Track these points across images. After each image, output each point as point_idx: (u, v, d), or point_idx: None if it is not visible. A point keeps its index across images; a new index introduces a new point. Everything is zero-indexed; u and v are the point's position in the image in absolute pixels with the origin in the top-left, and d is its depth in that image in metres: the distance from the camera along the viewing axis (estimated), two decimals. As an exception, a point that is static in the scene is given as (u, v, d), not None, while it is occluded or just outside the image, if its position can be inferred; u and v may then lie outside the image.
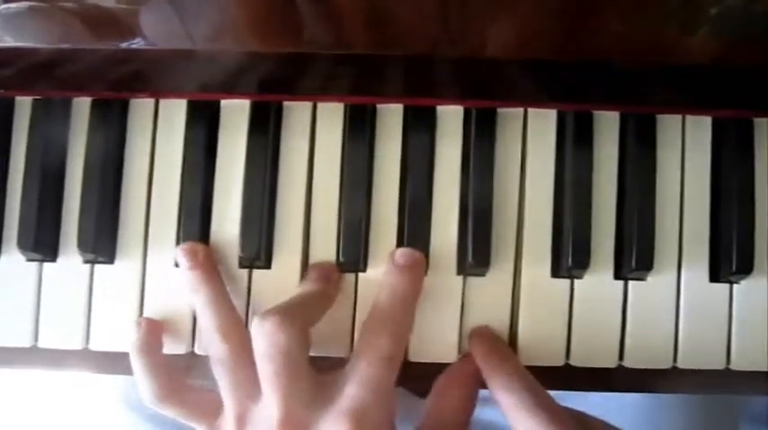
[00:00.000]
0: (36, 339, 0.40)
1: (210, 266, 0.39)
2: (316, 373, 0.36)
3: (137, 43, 0.36)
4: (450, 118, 0.40)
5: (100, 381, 0.52)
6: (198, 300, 0.38)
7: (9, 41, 0.36)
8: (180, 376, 0.39)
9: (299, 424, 0.34)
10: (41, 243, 0.39)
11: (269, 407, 0.34)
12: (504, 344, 0.40)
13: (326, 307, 0.38)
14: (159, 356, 0.38)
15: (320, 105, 0.40)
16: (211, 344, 0.37)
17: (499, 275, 0.40)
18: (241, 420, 0.35)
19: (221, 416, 0.37)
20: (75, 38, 0.36)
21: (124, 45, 0.36)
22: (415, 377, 0.39)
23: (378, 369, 0.35)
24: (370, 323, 0.36)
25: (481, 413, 0.56)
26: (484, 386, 0.39)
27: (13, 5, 0.35)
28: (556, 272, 0.40)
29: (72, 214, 0.40)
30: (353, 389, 0.34)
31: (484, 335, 0.39)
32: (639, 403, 0.55)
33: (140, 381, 0.37)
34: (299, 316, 0.35)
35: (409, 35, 0.35)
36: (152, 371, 0.37)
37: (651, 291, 0.40)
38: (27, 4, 0.35)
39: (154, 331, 0.39)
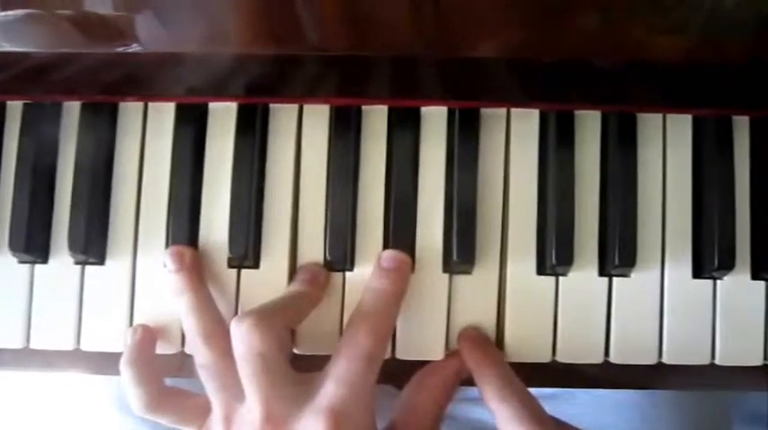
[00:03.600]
0: (28, 340, 0.40)
1: (195, 270, 0.39)
2: (296, 373, 0.36)
3: (126, 48, 0.36)
4: (434, 118, 0.41)
5: (91, 383, 0.53)
6: (181, 304, 0.38)
7: (2, 46, 0.37)
8: (168, 385, 0.39)
9: (281, 421, 0.34)
10: (33, 245, 0.40)
11: (251, 406, 0.35)
12: (493, 346, 0.40)
13: (310, 308, 0.39)
14: (149, 366, 0.39)
15: (306, 107, 0.41)
16: (195, 348, 0.37)
17: (485, 273, 0.40)
18: (228, 421, 0.36)
19: (209, 418, 0.37)
20: (66, 43, 0.36)
21: (114, 50, 0.36)
22: (402, 374, 0.40)
23: (357, 367, 0.35)
24: (352, 323, 0.37)
25: (471, 412, 0.56)
26: (466, 383, 0.40)
27: (10, 13, 0.35)
28: (541, 269, 0.40)
29: (63, 216, 0.40)
30: (332, 387, 0.35)
31: (473, 337, 0.40)
32: (634, 403, 0.55)
33: (129, 391, 0.38)
34: (275, 317, 0.36)
35: (391, 36, 0.36)
36: (141, 382, 0.38)
37: (635, 288, 0.40)
38: (23, 11, 0.35)
39: (147, 340, 0.39)
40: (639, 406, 0.54)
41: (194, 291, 0.38)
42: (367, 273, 0.39)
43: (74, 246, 0.40)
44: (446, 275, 0.40)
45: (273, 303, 0.38)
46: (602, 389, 0.52)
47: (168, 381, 0.39)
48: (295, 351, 0.40)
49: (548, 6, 0.34)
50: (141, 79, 0.41)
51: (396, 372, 0.39)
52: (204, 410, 0.37)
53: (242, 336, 0.35)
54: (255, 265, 0.40)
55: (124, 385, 0.38)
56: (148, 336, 0.39)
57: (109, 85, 0.41)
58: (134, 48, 0.36)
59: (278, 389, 0.35)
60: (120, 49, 0.36)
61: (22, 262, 0.41)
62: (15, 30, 0.36)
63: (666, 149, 0.41)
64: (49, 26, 0.36)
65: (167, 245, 0.40)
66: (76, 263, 0.41)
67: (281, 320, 0.36)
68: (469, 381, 0.39)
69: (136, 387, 0.37)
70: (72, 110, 0.41)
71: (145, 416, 0.38)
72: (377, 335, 0.36)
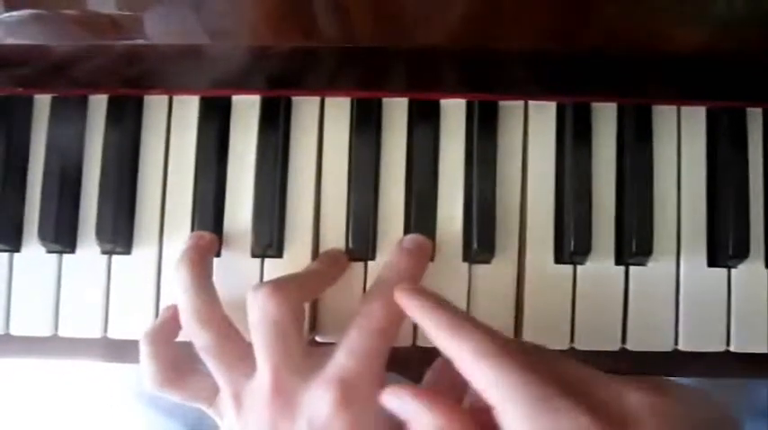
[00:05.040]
0: (56, 328, 0.41)
1: (203, 251, 0.39)
2: (309, 346, 0.36)
3: (150, 40, 0.37)
4: (454, 111, 0.42)
5: (115, 376, 0.53)
6: (177, 280, 0.38)
7: (25, 41, 0.37)
8: (184, 363, 0.39)
9: (289, 391, 0.34)
10: (61, 235, 0.41)
11: (260, 377, 0.35)
12: (432, 293, 0.35)
13: (325, 285, 0.39)
14: (168, 346, 0.38)
15: (328, 100, 0.42)
16: (191, 331, 0.37)
17: (504, 262, 0.41)
18: (237, 398, 0.36)
19: (218, 396, 0.38)
20: (89, 35, 0.37)
21: (138, 42, 0.37)
22: (420, 362, 0.40)
23: (369, 339, 0.35)
24: (368, 297, 0.37)
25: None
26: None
27: (15, 13, 0.36)
28: (559, 258, 0.41)
29: (90, 207, 0.41)
30: (343, 358, 0.34)
31: (404, 288, 0.36)
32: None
33: (143, 366, 0.38)
34: (291, 288, 0.36)
35: (412, 27, 0.36)
36: (156, 360, 0.38)
37: (652, 276, 0.41)
38: (29, 11, 0.36)
39: (171, 321, 0.39)
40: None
41: (192, 271, 0.38)
42: (388, 262, 0.40)
43: (101, 236, 0.41)
44: (466, 264, 0.41)
45: (290, 276, 0.38)
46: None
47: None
48: (317, 338, 0.41)
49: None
50: (166, 73, 0.41)
51: (415, 359, 0.40)
52: (215, 388, 0.37)
53: (257, 304, 0.35)
54: (279, 255, 0.41)
55: (140, 360, 0.38)
56: (176, 317, 0.39)
57: (133, 78, 0.42)
58: (155, 41, 0.37)
59: (288, 358, 0.35)
60: (144, 42, 0.37)
61: (50, 251, 0.41)
62: (30, 27, 0.37)
63: (681, 141, 0.42)
64: (64, 23, 0.36)
65: (193, 235, 0.41)
66: (103, 252, 0.41)
67: (296, 292, 0.36)
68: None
69: (151, 362, 0.38)
70: (98, 103, 0.42)
71: (155, 392, 0.38)
72: (389, 310, 0.36)
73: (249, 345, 0.36)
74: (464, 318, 0.33)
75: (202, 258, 0.39)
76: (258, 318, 0.35)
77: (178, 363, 0.38)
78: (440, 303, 0.34)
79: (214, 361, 0.36)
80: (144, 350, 0.38)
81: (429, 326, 0.33)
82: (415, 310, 0.34)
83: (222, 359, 0.36)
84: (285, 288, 0.36)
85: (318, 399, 0.34)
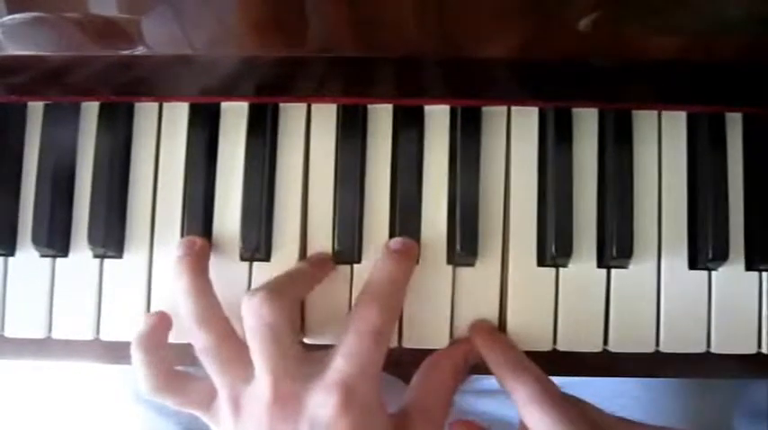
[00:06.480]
0: (50, 331, 0.42)
1: (200, 258, 0.40)
2: (305, 351, 0.37)
3: (141, 50, 0.38)
4: (438, 116, 0.42)
5: (108, 376, 0.54)
6: (178, 287, 0.39)
7: (19, 51, 0.38)
8: (177, 368, 0.39)
9: (289, 397, 0.35)
10: (54, 239, 0.42)
11: (260, 383, 0.36)
12: (503, 334, 0.41)
13: (312, 284, 0.40)
14: (159, 351, 0.39)
15: (314, 106, 0.43)
16: (192, 334, 0.38)
17: (487, 265, 0.42)
18: (235, 402, 0.36)
19: (216, 401, 0.38)
20: (81, 46, 0.38)
21: (129, 52, 0.38)
22: (407, 363, 0.41)
23: (366, 342, 0.36)
24: (361, 300, 0.38)
25: (476, 404, 0.57)
26: (474, 371, 0.41)
27: (17, 16, 0.37)
28: (541, 261, 0.42)
29: (82, 212, 0.42)
30: (342, 362, 0.35)
31: (484, 326, 0.41)
32: (633, 397, 0.56)
33: (138, 373, 0.38)
34: (284, 292, 0.37)
35: (397, 39, 0.37)
36: (149, 366, 0.38)
37: (633, 279, 0.42)
38: (31, 14, 0.37)
39: (158, 327, 0.40)
40: (639, 400, 0.55)
41: (193, 276, 0.39)
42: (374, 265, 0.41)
43: (93, 240, 0.41)
44: (450, 267, 0.42)
45: (280, 278, 0.39)
46: (600, 385, 0.53)
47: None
48: (304, 340, 0.42)
49: (546, 8, 0.35)
50: (156, 80, 0.42)
51: (402, 361, 0.41)
52: (212, 394, 0.38)
53: (253, 309, 0.36)
54: (267, 258, 0.42)
55: (134, 368, 0.38)
56: (162, 322, 0.40)
57: (125, 86, 0.43)
58: (149, 50, 0.38)
59: (286, 362, 0.35)
60: (134, 52, 0.38)
61: (43, 256, 0.42)
62: (27, 33, 0.37)
63: (662, 145, 0.42)
64: (59, 29, 0.37)
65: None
66: (95, 256, 0.42)
67: (288, 294, 0.37)
68: (477, 369, 0.40)
69: (145, 369, 0.38)
70: (90, 110, 0.43)
71: (152, 398, 0.39)
72: (385, 312, 0.37)
73: (248, 348, 0.37)
74: (524, 366, 0.38)
75: (200, 262, 0.40)
76: (254, 324, 0.36)
77: (172, 369, 0.39)
78: (508, 347, 0.39)
79: (213, 362, 0.37)
80: (136, 358, 0.39)
81: (493, 362, 0.39)
82: (485, 347, 0.39)
83: (221, 361, 0.37)
84: (279, 293, 0.37)
85: (320, 404, 0.34)
